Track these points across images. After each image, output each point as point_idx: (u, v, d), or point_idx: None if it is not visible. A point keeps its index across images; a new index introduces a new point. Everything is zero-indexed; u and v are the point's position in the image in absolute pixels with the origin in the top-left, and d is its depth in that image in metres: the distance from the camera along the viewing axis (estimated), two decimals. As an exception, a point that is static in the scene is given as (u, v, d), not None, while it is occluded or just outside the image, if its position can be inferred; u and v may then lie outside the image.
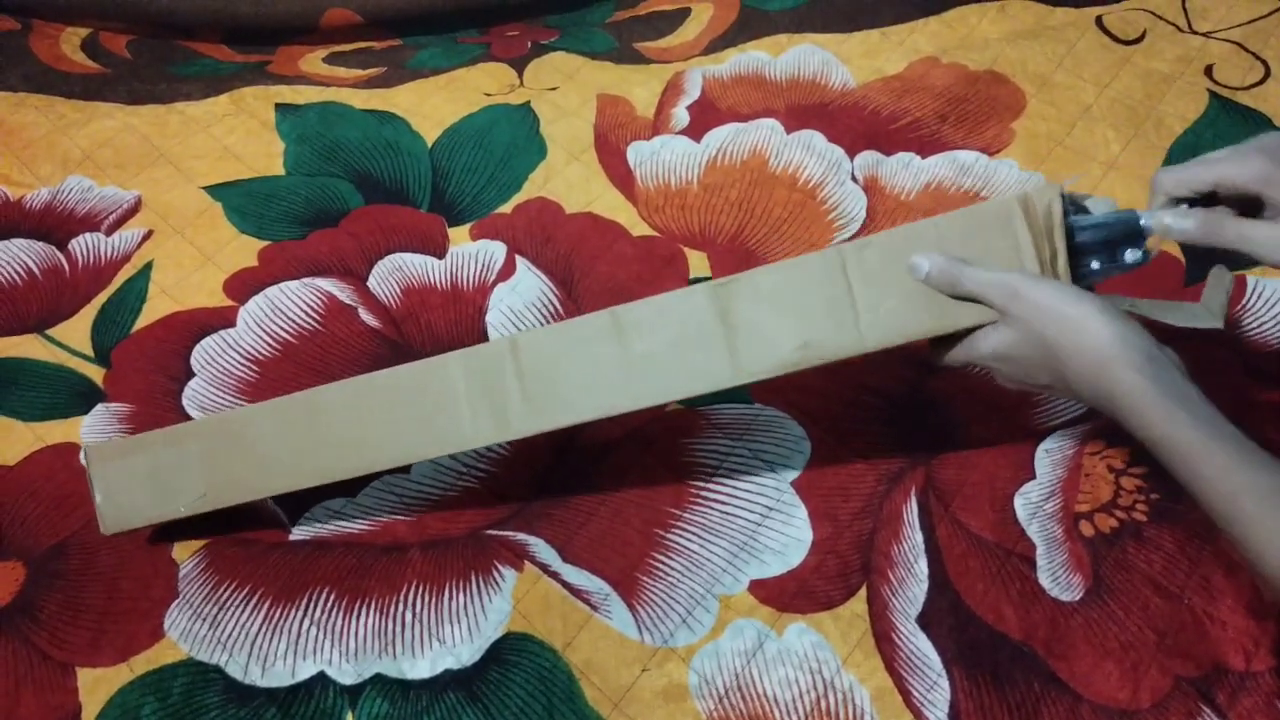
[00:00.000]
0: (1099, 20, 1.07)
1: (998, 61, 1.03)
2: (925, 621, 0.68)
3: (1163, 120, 0.97)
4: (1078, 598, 0.68)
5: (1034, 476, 0.74)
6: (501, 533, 0.73)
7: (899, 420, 0.78)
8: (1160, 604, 0.68)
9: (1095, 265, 0.58)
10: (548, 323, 0.85)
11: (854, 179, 0.94)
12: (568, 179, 0.97)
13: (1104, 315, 0.52)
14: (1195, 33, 1.05)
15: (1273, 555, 0.47)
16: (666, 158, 0.98)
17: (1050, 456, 0.75)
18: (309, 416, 0.67)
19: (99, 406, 0.81)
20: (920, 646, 0.67)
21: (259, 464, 0.68)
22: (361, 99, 1.06)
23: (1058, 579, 0.69)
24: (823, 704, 0.64)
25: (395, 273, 0.90)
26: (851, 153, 0.96)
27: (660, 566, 0.71)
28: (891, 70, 1.05)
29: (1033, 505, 0.73)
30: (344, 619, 0.69)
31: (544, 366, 0.62)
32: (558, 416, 0.62)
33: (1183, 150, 0.93)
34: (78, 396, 0.82)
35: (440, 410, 0.64)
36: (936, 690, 0.65)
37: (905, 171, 0.95)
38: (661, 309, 0.61)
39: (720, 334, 0.60)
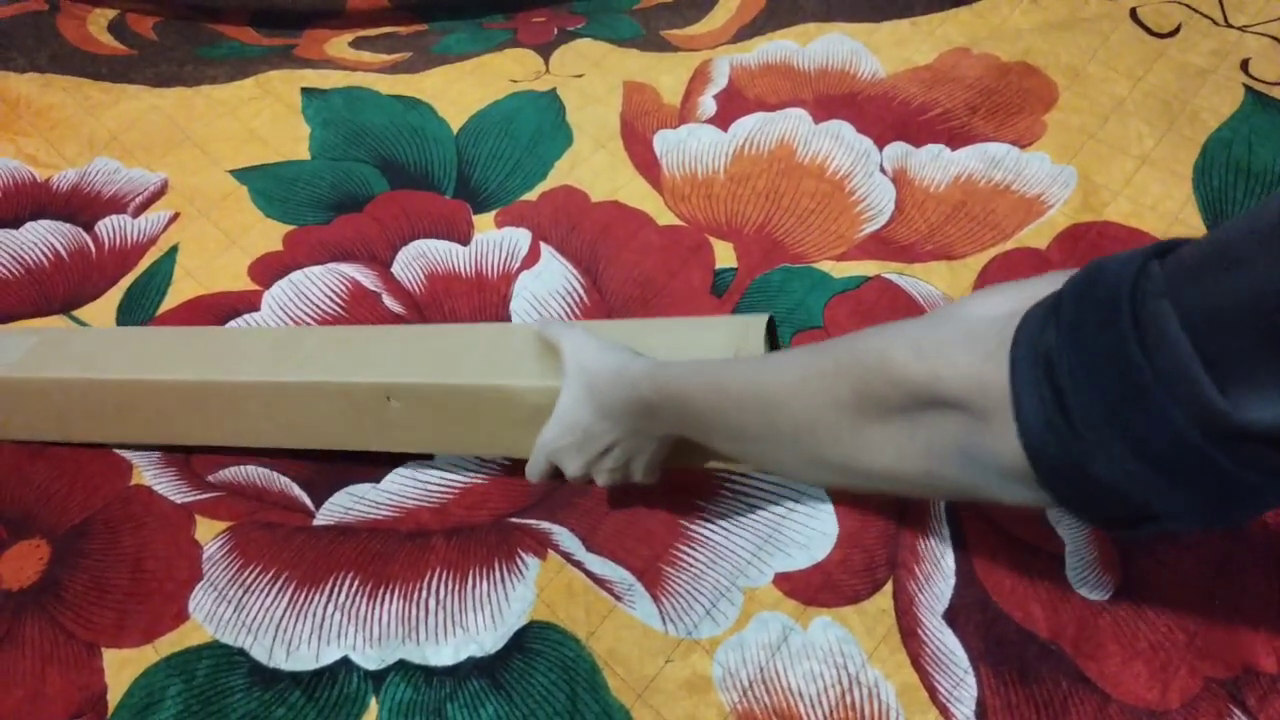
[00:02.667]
0: (1133, 12, 1.05)
1: (1030, 53, 1.02)
2: (952, 618, 0.67)
3: (1197, 115, 0.95)
4: (1107, 597, 0.68)
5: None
6: (525, 521, 0.73)
7: (926, 414, 0.77)
8: (1190, 604, 0.67)
9: None
10: (573, 311, 0.85)
11: (883, 170, 0.94)
12: (594, 167, 0.97)
13: (609, 344, 0.63)
14: (1231, 26, 1.04)
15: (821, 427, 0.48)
16: (693, 146, 0.98)
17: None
18: (140, 339, 0.78)
19: (124, 388, 0.82)
20: (947, 643, 0.66)
21: (79, 360, 0.75)
22: (387, 84, 1.06)
23: (1087, 577, 0.69)
24: (848, 699, 0.64)
25: (420, 259, 0.90)
26: (880, 144, 0.96)
27: (684, 557, 0.71)
28: (922, 60, 1.03)
29: (1061, 502, 0.72)
30: (368, 604, 0.69)
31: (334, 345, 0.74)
32: (309, 372, 0.71)
33: (1217, 145, 0.92)
34: (103, 378, 0.82)
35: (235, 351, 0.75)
36: (963, 687, 0.64)
37: (935, 163, 0.94)
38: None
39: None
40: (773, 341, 0.67)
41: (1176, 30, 1.04)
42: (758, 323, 0.65)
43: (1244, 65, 1.00)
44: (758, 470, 0.73)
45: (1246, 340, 0.32)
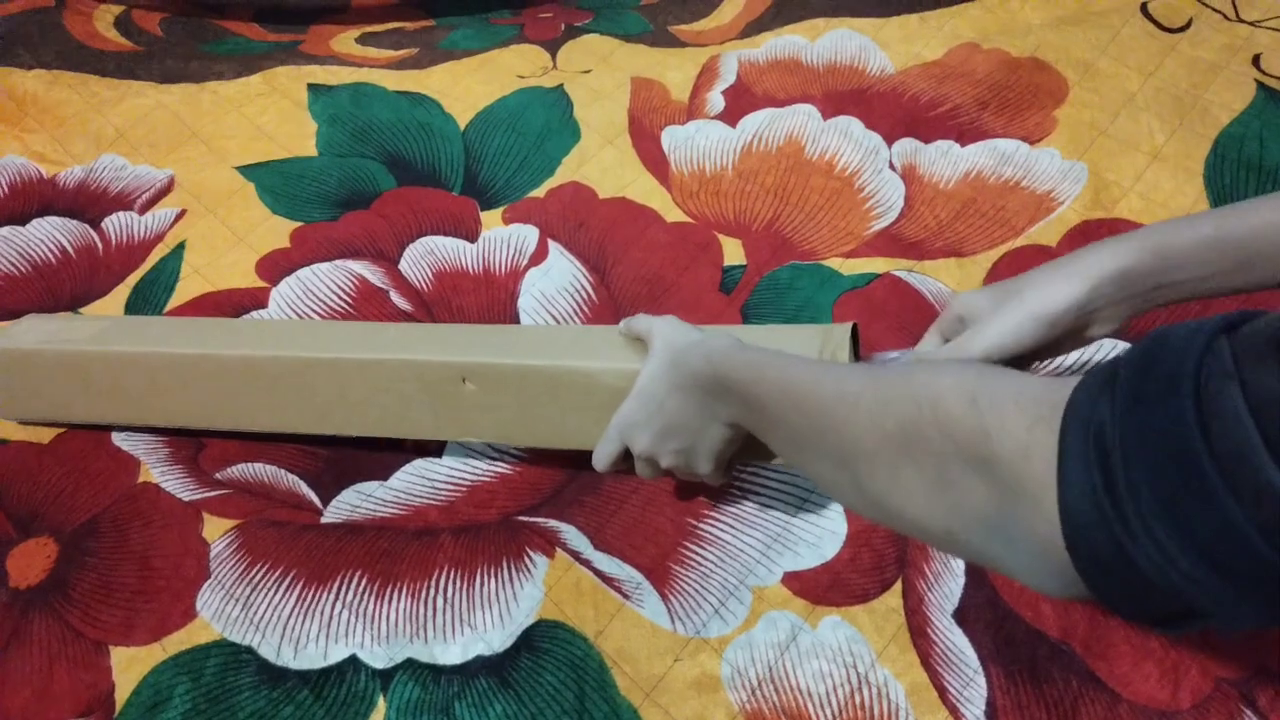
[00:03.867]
0: (1144, 7, 1.05)
1: (1040, 48, 1.01)
2: (962, 617, 0.67)
3: (1208, 110, 0.95)
4: (1118, 596, 0.67)
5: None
6: (533, 519, 0.73)
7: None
8: (1202, 604, 0.66)
9: None
10: (581, 309, 0.85)
11: (892, 167, 0.93)
12: (601, 163, 0.96)
13: (700, 328, 0.64)
14: (1243, 21, 1.03)
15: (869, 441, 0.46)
16: (701, 143, 0.97)
17: (1091, 452, 0.74)
18: (210, 327, 0.78)
19: (132, 385, 0.81)
20: (956, 642, 0.66)
21: (145, 341, 0.75)
22: (394, 80, 1.06)
23: (1097, 576, 0.68)
24: (857, 698, 0.64)
25: (427, 256, 0.89)
26: (889, 140, 0.95)
27: (693, 556, 0.71)
28: (931, 56, 1.03)
29: (1072, 501, 0.72)
30: (375, 603, 0.69)
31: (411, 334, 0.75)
32: (385, 350, 0.71)
33: (1228, 141, 0.91)
34: (111, 375, 0.82)
35: (308, 332, 0.76)
36: (973, 687, 0.64)
37: (944, 160, 0.93)
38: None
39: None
40: (856, 352, 0.67)
41: (1187, 25, 1.03)
42: (842, 331, 0.65)
43: (1255, 60, 0.99)
44: (817, 487, 0.71)
45: None
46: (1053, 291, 0.55)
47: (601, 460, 0.66)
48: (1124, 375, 0.35)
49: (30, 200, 0.95)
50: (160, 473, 0.77)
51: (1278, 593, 0.32)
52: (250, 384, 0.73)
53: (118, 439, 0.79)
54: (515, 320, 0.84)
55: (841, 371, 0.51)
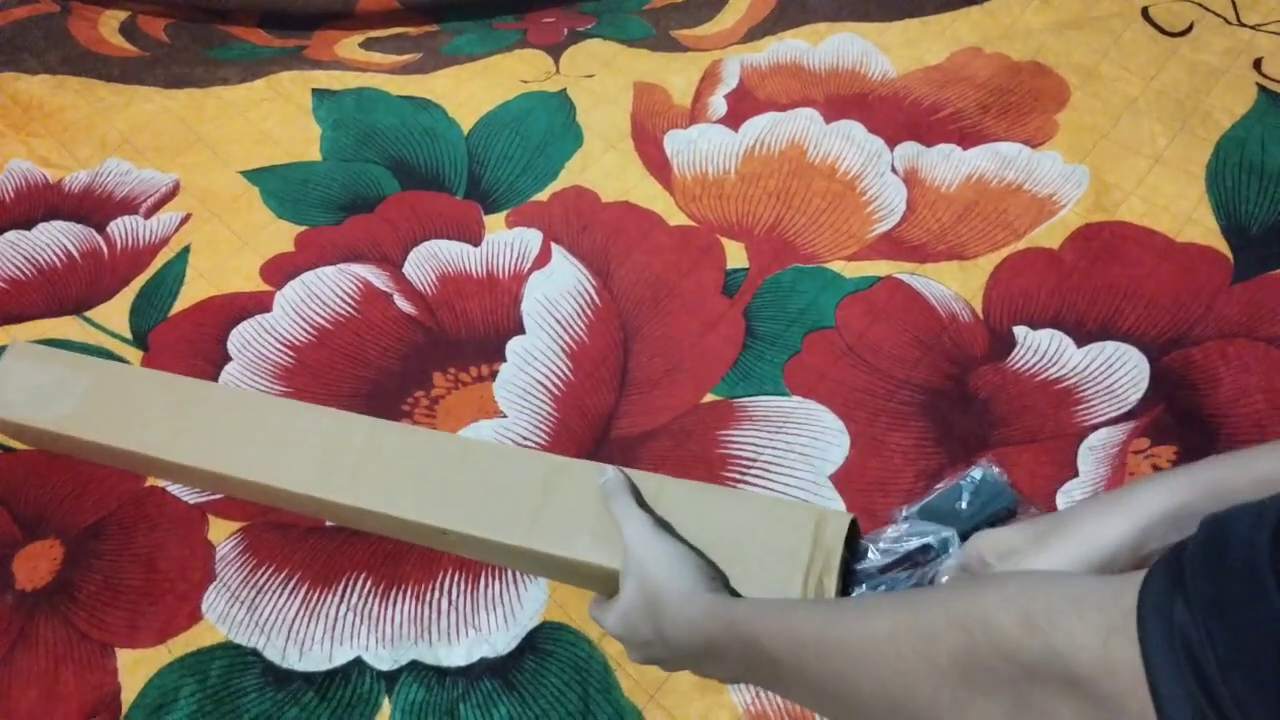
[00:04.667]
0: (1145, 11, 1.05)
1: (1041, 52, 1.02)
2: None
3: (1210, 114, 0.95)
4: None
5: (1077, 474, 0.73)
6: (537, 521, 0.73)
7: (938, 416, 0.77)
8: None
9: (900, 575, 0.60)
10: (584, 312, 0.85)
11: (894, 170, 0.93)
12: (604, 167, 0.97)
13: (690, 556, 0.56)
14: (1244, 25, 1.03)
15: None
16: (704, 147, 0.97)
17: (1094, 454, 0.74)
18: (193, 402, 0.72)
19: (137, 389, 0.82)
20: (960, 644, 0.66)
21: (129, 418, 0.71)
22: (398, 85, 1.06)
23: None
24: (861, 700, 0.64)
25: (431, 259, 0.90)
26: (891, 143, 0.95)
27: (697, 558, 0.71)
28: (933, 60, 1.03)
29: (1076, 503, 0.72)
30: (380, 605, 0.69)
31: (386, 456, 0.68)
32: (369, 498, 0.66)
33: (1230, 145, 0.92)
34: (116, 378, 0.83)
35: (287, 447, 0.69)
36: (976, 688, 0.64)
37: (946, 163, 0.94)
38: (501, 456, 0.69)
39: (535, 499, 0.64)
40: (851, 545, 0.61)
41: (1189, 29, 1.03)
42: (840, 520, 0.60)
43: (1256, 64, 0.99)
44: None
45: None
46: (1103, 531, 0.52)
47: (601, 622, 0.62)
48: (1193, 572, 0.33)
49: (36, 205, 0.96)
50: (165, 476, 0.77)
51: None
52: (223, 484, 0.72)
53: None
54: (519, 324, 0.85)
55: (860, 612, 0.47)
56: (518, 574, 0.71)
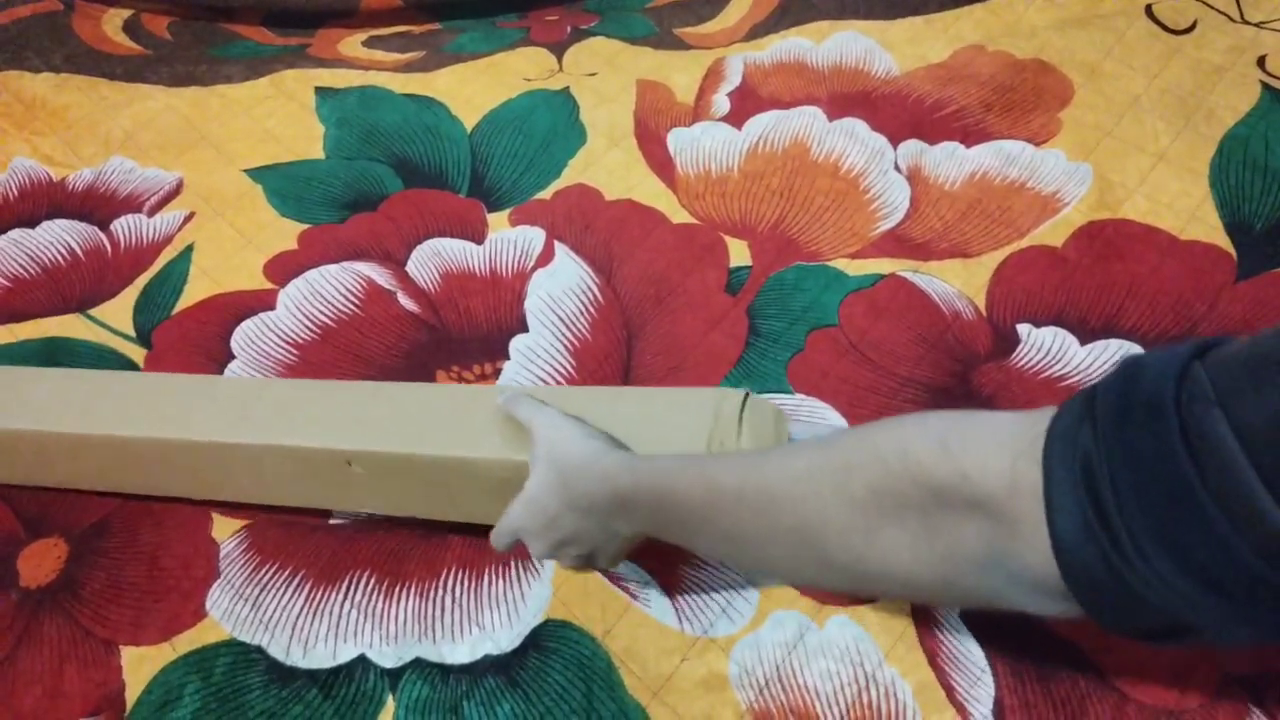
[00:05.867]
0: (1149, 9, 1.05)
1: (1045, 50, 1.02)
2: (968, 616, 0.67)
3: (1214, 112, 0.95)
4: (1124, 595, 0.67)
5: (1080, 472, 0.73)
6: (541, 519, 0.73)
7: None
8: (1209, 603, 0.67)
9: None
10: (587, 310, 0.85)
11: (897, 168, 0.93)
12: (607, 165, 0.97)
13: (582, 429, 0.59)
14: (1247, 23, 1.03)
15: (836, 531, 0.44)
16: (707, 145, 0.97)
17: (1097, 452, 0.74)
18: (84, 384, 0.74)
19: (141, 387, 0.82)
20: (964, 642, 0.66)
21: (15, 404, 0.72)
22: (400, 83, 1.06)
23: (1104, 576, 0.68)
24: (864, 697, 0.64)
25: (434, 258, 0.90)
26: (895, 141, 0.95)
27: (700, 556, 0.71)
28: (936, 58, 1.03)
29: (1079, 501, 0.72)
30: (384, 602, 0.69)
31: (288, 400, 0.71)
32: (261, 433, 0.67)
33: (1234, 142, 0.91)
34: (120, 376, 0.83)
35: (181, 409, 0.71)
36: (980, 685, 0.64)
37: (949, 161, 0.93)
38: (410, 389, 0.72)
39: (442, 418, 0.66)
40: (761, 425, 0.63)
41: (1192, 27, 1.03)
42: (732, 403, 0.62)
43: (1260, 62, 0.99)
44: (744, 572, 0.69)
45: None
46: None
47: (498, 546, 0.64)
48: (1102, 402, 0.36)
49: (40, 203, 0.96)
50: (169, 473, 0.77)
51: (1272, 607, 0.33)
52: (128, 459, 0.71)
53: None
54: (522, 321, 0.85)
55: (780, 453, 0.50)
56: (522, 572, 0.71)
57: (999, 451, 0.38)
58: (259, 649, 0.67)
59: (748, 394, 0.63)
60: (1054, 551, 0.36)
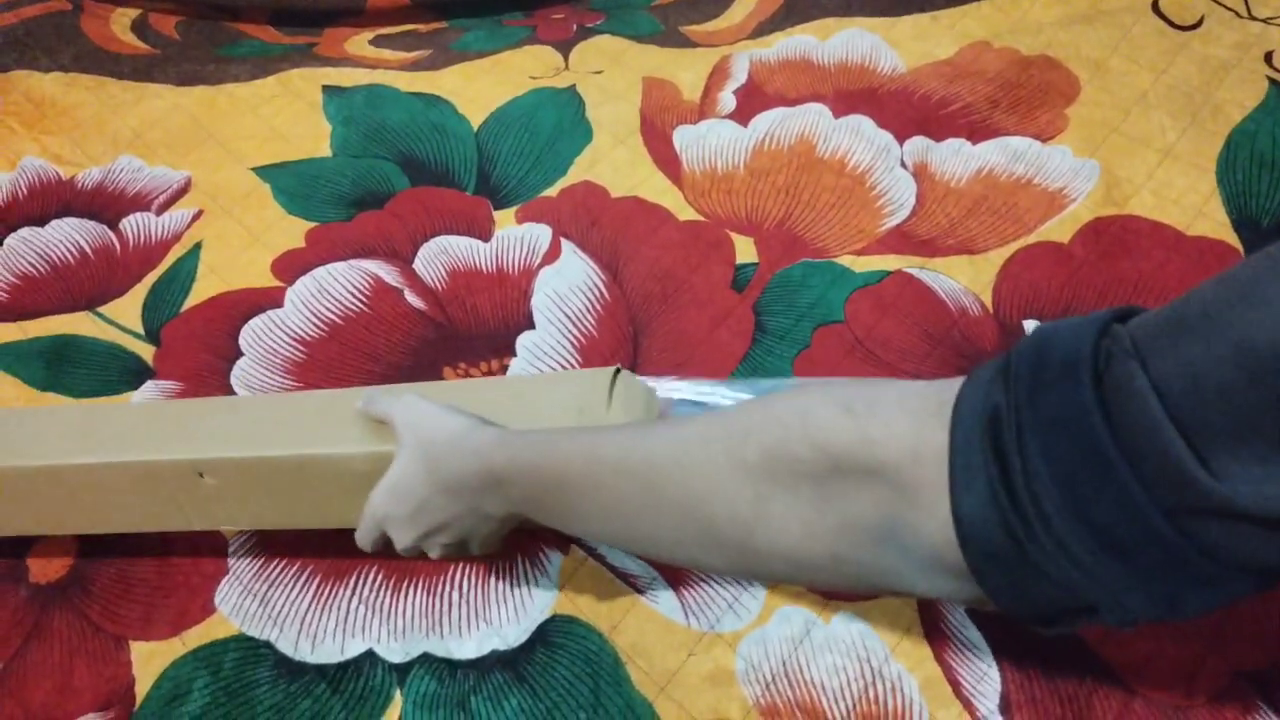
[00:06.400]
0: (1155, 5, 1.05)
1: (1051, 46, 1.01)
2: (974, 611, 0.67)
3: (1220, 107, 0.95)
4: (1131, 591, 0.67)
5: (1086, 467, 0.73)
6: (548, 515, 0.73)
7: (948, 409, 0.77)
8: (1216, 599, 0.66)
9: None
10: (594, 307, 0.85)
11: (903, 165, 0.93)
12: (614, 163, 0.97)
13: (447, 408, 0.57)
14: (1255, 18, 1.03)
15: (723, 504, 0.41)
16: (713, 142, 0.98)
17: (1103, 447, 0.74)
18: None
19: (148, 384, 0.82)
20: (970, 636, 0.66)
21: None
22: (407, 81, 1.06)
23: (1111, 571, 0.68)
24: (871, 692, 0.64)
25: (441, 255, 0.90)
26: (901, 138, 0.95)
27: (707, 551, 0.71)
28: (942, 55, 1.03)
29: (1085, 496, 0.72)
30: (392, 598, 0.70)
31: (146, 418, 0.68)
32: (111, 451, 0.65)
33: (1241, 138, 0.91)
34: (128, 374, 0.83)
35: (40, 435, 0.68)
36: (986, 681, 0.64)
37: (956, 158, 0.93)
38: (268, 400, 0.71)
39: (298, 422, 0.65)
40: (636, 401, 0.62)
41: (1199, 23, 1.03)
42: (603, 376, 0.61)
43: (1267, 58, 0.99)
44: (627, 551, 0.68)
45: (1229, 407, 0.29)
46: None
47: (364, 544, 0.61)
48: (1016, 365, 0.34)
49: (49, 201, 0.96)
50: (178, 470, 0.77)
51: (1171, 574, 0.31)
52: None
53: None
54: (529, 319, 0.85)
55: (670, 422, 0.47)
56: (528, 567, 0.71)
57: (905, 415, 0.37)
58: (267, 644, 0.68)
59: (619, 369, 0.62)
60: (954, 521, 0.34)
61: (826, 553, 0.39)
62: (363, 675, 0.66)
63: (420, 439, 0.56)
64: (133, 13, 1.17)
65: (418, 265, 0.89)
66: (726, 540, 0.42)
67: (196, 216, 0.94)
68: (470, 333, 0.84)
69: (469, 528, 0.56)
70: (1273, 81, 0.96)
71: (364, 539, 0.61)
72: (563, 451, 0.49)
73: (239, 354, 0.84)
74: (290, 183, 0.97)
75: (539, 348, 0.83)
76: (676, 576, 0.70)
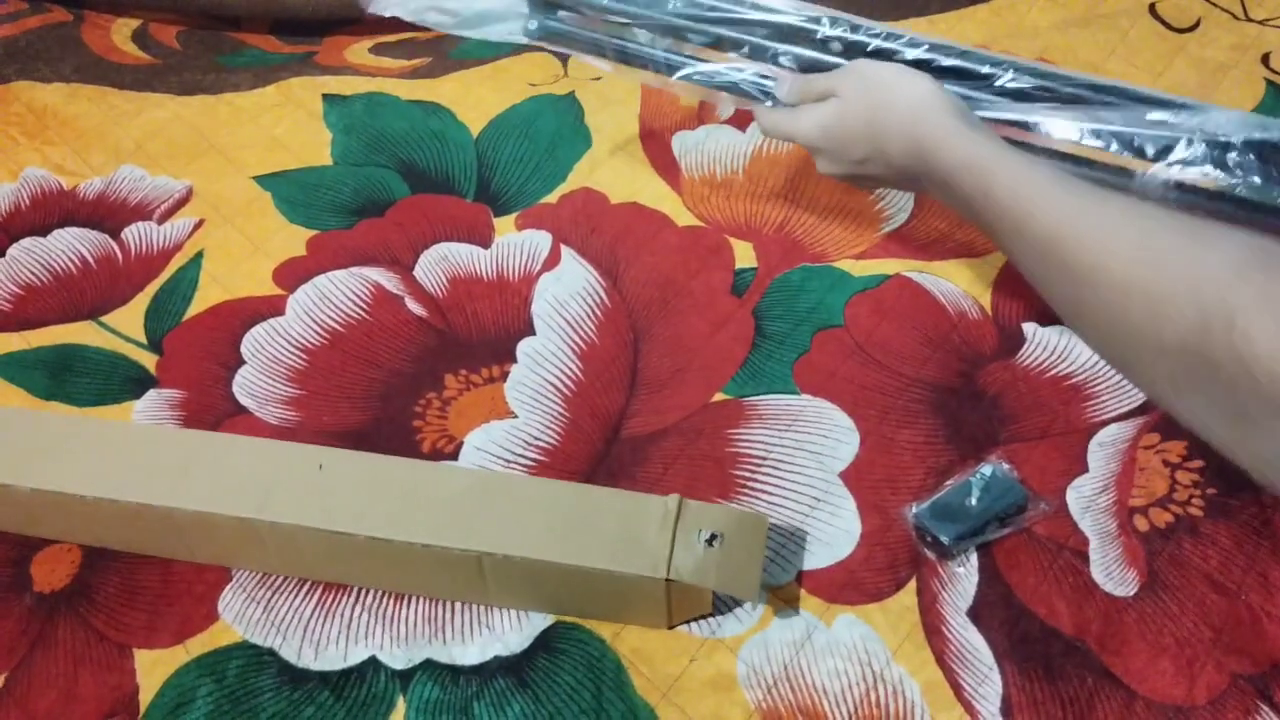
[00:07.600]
0: (1152, 8, 1.05)
1: (1048, 50, 1.02)
2: (976, 615, 0.67)
3: (1218, 109, 0.95)
4: (1132, 593, 0.68)
5: (1086, 470, 0.73)
6: (549, 521, 0.74)
7: (948, 413, 0.77)
8: (1216, 600, 0.67)
9: None
10: (594, 313, 0.85)
11: (901, 169, 0.94)
12: (613, 169, 0.97)
13: (918, 75, 0.57)
14: (1251, 20, 1.03)
15: (1106, 251, 0.39)
16: (712, 148, 0.98)
17: (1103, 450, 0.74)
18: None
19: (151, 392, 0.83)
20: (971, 640, 0.66)
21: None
22: (407, 89, 1.07)
23: (1111, 574, 0.68)
24: (872, 695, 0.64)
25: (442, 262, 0.90)
26: (899, 142, 0.95)
27: (708, 556, 0.71)
28: (939, 59, 1.03)
29: (1085, 499, 0.72)
30: (394, 605, 0.70)
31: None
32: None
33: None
34: (130, 382, 0.83)
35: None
36: (988, 684, 0.64)
37: (954, 161, 0.94)
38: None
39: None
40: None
41: (1196, 25, 1.03)
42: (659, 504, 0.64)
43: (1265, 60, 0.99)
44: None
45: None
46: None
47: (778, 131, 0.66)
48: None
49: (51, 212, 0.97)
50: (181, 478, 0.78)
51: None
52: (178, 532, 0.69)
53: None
54: (529, 325, 0.85)
55: (1107, 225, 0.41)
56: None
57: None
58: (271, 651, 0.68)
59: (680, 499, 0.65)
60: None
61: (1248, 457, 0.35)
62: (366, 682, 0.66)
63: (868, 103, 0.58)
64: (133, 23, 1.18)
65: (418, 272, 0.90)
66: (1135, 378, 0.43)
67: (198, 225, 0.95)
68: (471, 339, 0.85)
69: (890, 184, 0.63)
70: (1270, 83, 0.97)
71: (772, 133, 0.67)
72: (995, 204, 0.51)
73: (241, 362, 0.84)
74: (291, 191, 0.97)
75: (539, 354, 0.83)
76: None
